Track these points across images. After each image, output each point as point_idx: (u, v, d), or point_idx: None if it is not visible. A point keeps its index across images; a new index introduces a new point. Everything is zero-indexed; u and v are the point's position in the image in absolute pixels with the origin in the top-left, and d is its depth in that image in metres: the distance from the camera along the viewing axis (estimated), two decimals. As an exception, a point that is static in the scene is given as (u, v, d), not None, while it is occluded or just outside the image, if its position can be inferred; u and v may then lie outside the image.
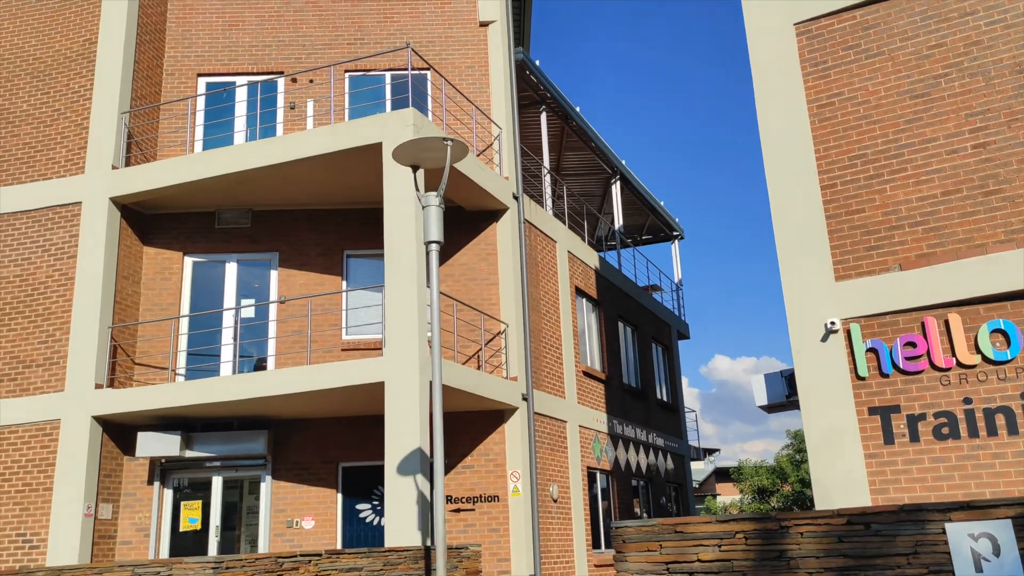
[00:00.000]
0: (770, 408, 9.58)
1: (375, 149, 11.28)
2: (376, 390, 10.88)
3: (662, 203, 21.65)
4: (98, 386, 11.57)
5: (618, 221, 19.06)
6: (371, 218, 13.19)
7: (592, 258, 16.56)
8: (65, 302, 12.02)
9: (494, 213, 13.27)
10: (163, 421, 11.92)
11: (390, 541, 9.55)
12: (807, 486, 35.77)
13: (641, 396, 18.01)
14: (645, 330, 19.03)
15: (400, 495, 9.70)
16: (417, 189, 6.82)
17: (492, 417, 12.40)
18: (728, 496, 47.98)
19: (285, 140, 11.56)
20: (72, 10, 13.46)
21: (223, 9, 14.28)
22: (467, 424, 12.30)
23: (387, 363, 10.26)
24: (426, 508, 9.65)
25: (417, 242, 10.60)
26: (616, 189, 19.13)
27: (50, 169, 12.73)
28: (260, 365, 12.60)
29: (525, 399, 12.51)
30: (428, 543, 9.53)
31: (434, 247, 6.41)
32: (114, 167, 12.46)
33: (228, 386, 11.03)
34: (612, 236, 20.60)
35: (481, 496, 11.99)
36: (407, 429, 9.90)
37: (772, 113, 8.88)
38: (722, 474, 49.35)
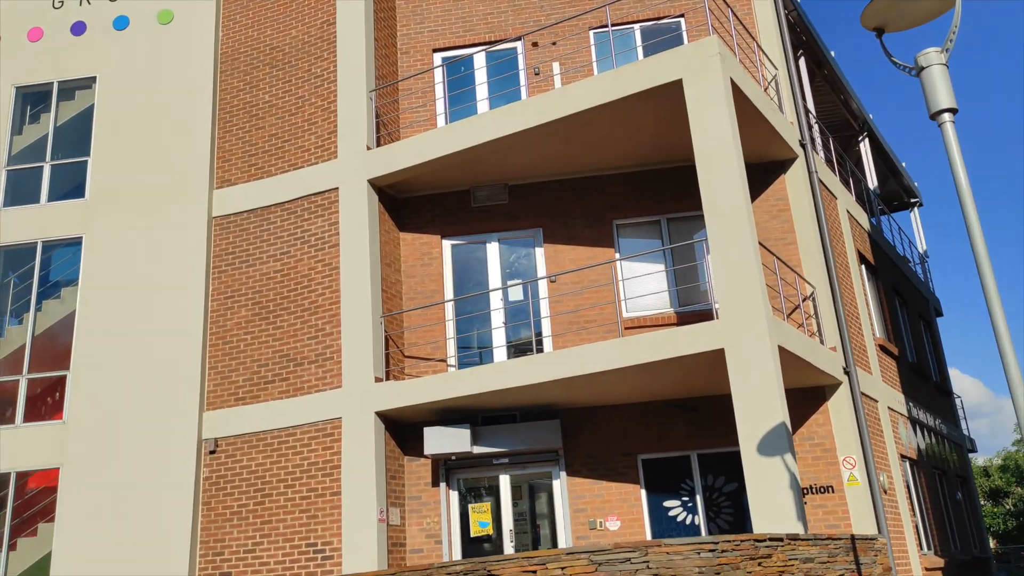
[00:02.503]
0: None
1: (669, 91, 9.87)
2: (688, 367, 9.41)
3: (903, 164, 19.32)
4: (377, 380, 10.63)
5: (872, 182, 16.94)
6: (640, 182, 11.79)
7: (865, 220, 14.57)
8: (332, 293, 11.21)
9: (781, 164, 11.61)
10: (440, 416, 10.85)
11: (760, 530, 7.94)
12: (1053, 485, 31.63)
13: (922, 376, 15.75)
14: (912, 304, 16.75)
15: (765, 479, 8.09)
16: (888, 56, 5.23)
17: (811, 395, 10.65)
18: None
19: (564, 92, 10.34)
20: (306, -5, 12.85)
21: (452, -20, 13.36)
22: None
23: (726, 328, 8.73)
24: (799, 493, 8.00)
25: (744, 188, 9.07)
26: (866, 147, 17.03)
27: (300, 158, 12.05)
28: (533, 347, 11.37)
29: (847, 373, 10.69)
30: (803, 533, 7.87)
31: (947, 117, 4.83)
32: (368, 148, 11.63)
33: (524, 370, 9.81)
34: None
35: (812, 487, 10.23)
36: (763, 401, 8.32)
37: None
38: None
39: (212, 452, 11.06)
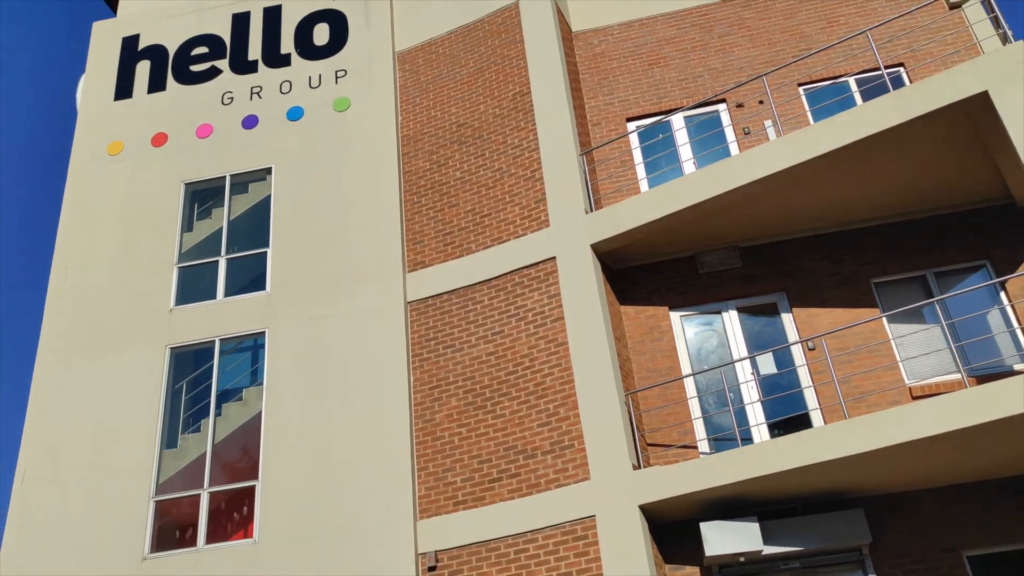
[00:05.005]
0: None
1: (955, 112, 8.64)
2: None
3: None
4: (635, 468, 8.90)
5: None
6: (895, 234, 10.37)
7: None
8: (561, 372, 9.69)
9: (1061, 203, 10.16)
10: (705, 512, 8.98)
11: None
12: None
13: None
14: None
15: None
16: None
17: None
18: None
19: (830, 123, 9.15)
20: (492, 71, 12.16)
21: (638, 51, 12.65)
22: None
23: None
24: None
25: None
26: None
27: (505, 231, 10.90)
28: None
29: None
30: None
31: None
32: (586, 212, 10.46)
33: (828, 443, 8.05)
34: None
35: None
36: None
37: None
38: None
39: (432, 568, 9.23)
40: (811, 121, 11.48)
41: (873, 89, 11.47)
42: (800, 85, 11.86)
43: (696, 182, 9.84)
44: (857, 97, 11.52)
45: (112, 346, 11.14)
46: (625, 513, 8.63)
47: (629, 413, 9.41)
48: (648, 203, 10.05)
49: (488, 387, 10.03)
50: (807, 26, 12.28)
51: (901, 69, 11.63)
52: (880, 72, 11.56)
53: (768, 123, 11.64)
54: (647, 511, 8.76)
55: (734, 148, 11.58)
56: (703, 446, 9.71)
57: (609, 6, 13.09)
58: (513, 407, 9.78)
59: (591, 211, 10.58)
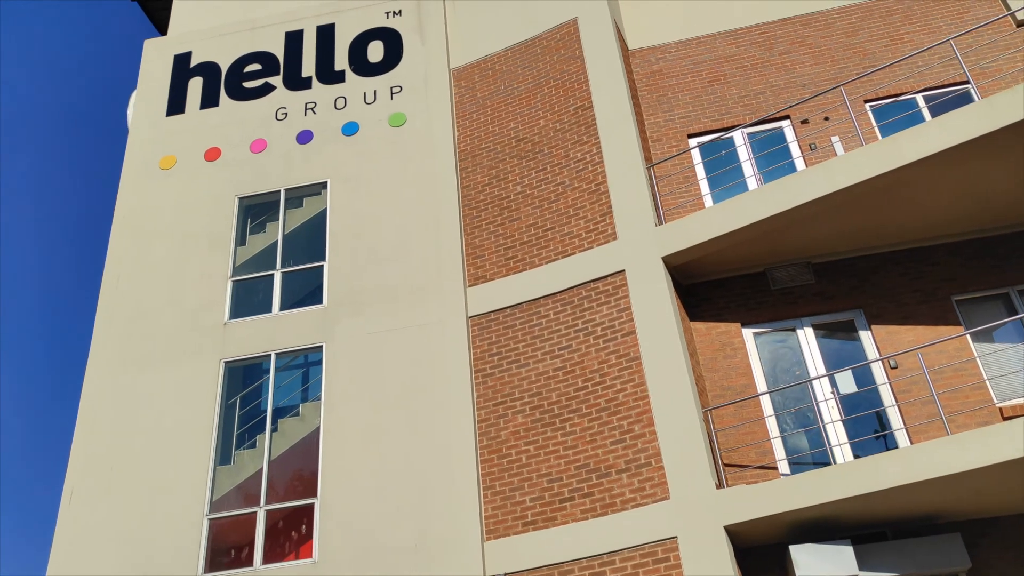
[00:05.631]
0: None
1: (1058, 115, 8.38)
2: None
3: None
4: (718, 487, 8.49)
5: None
6: (976, 251, 10.06)
7: None
8: (635, 388, 9.34)
9: None
10: (793, 535, 8.55)
11: None
12: None
13: None
14: None
15: None
16: None
17: None
18: None
19: (916, 132, 8.90)
20: (551, 86, 12.01)
21: (697, 68, 12.49)
22: None
23: None
24: None
25: None
26: None
27: (569, 245, 10.63)
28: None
29: None
30: None
31: None
32: (656, 225, 10.20)
33: (932, 461, 7.65)
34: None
35: None
36: None
37: None
38: None
39: (502, 592, 8.80)
40: (879, 137, 11.25)
41: (940, 106, 11.24)
42: (867, 102, 11.64)
43: (772, 194, 9.58)
44: (925, 113, 11.29)
45: (165, 360, 10.86)
46: (710, 534, 8.21)
47: (709, 430, 9.03)
48: (722, 215, 9.79)
49: (556, 403, 9.67)
50: (870, 43, 12.11)
51: (969, 86, 11.41)
52: (948, 89, 11.35)
53: (835, 138, 11.40)
54: (732, 532, 8.33)
55: (799, 164, 11.34)
56: (783, 467, 9.31)
57: (666, 25, 12.98)
58: (584, 424, 9.41)
59: (660, 224, 10.32)
